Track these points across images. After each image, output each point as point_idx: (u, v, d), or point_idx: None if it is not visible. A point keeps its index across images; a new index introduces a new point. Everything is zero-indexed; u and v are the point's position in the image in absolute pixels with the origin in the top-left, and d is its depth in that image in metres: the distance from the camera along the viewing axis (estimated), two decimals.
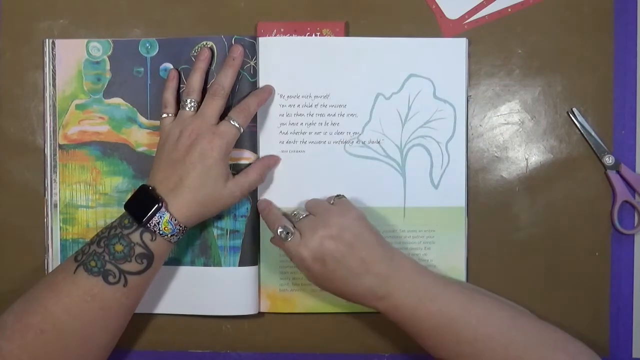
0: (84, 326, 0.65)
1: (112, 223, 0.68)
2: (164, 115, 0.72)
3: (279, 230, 0.68)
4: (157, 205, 0.66)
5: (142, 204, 0.67)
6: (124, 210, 0.68)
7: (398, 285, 0.66)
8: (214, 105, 0.70)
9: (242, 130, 0.70)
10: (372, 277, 0.65)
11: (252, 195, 0.75)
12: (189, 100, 0.71)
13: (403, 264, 0.67)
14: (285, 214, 0.72)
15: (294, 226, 0.68)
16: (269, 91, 0.74)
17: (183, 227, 0.68)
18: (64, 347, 0.65)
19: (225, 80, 0.71)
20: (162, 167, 0.69)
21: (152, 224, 0.66)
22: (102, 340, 0.68)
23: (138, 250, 0.66)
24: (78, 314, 0.65)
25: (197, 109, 0.71)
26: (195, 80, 0.72)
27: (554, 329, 0.67)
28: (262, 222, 0.76)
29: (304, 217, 0.69)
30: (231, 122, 0.69)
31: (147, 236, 0.67)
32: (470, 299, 0.66)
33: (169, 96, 0.73)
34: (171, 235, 0.67)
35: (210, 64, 0.74)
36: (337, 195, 0.72)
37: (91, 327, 0.66)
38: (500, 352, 0.64)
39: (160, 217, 0.66)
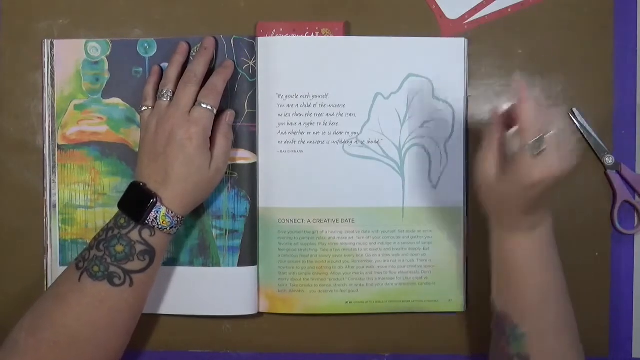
0: (95, 333, 0.65)
1: (107, 225, 0.68)
2: (143, 108, 0.72)
3: (534, 141, 0.60)
4: (152, 201, 0.66)
5: (136, 201, 0.67)
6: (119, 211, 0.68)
7: (544, 230, 0.66)
8: (186, 91, 0.70)
9: (215, 111, 0.70)
10: (535, 217, 0.65)
11: (252, 195, 0.75)
12: (164, 90, 0.71)
13: (550, 218, 0.67)
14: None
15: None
16: (231, 66, 0.74)
17: (180, 217, 0.68)
18: (77, 357, 0.65)
19: (197, 68, 0.71)
20: (147, 161, 0.69)
21: (150, 220, 0.66)
22: (114, 344, 0.68)
23: (139, 247, 0.66)
24: (89, 321, 0.65)
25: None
26: (172, 72, 0.72)
27: None
28: (260, 222, 0.76)
29: (558, 142, 0.61)
30: (202, 105, 0.69)
31: (146, 232, 0.67)
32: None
33: (149, 90, 0.73)
34: (170, 228, 0.67)
35: (211, 62, 0.74)
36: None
37: (103, 333, 0.66)
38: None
39: (157, 212, 0.66)
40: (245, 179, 0.75)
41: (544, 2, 0.78)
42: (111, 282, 0.65)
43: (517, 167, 0.61)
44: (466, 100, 0.77)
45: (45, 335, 0.64)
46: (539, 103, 0.62)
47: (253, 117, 0.75)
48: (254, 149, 0.76)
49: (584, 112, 0.77)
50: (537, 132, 0.60)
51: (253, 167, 0.76)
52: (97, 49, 0.77)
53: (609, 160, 0.77)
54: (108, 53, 0.76)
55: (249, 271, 0.75)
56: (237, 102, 0.75)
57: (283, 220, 0.76)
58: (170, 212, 0.67)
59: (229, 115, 0.72)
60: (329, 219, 0.76)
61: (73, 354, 0.64)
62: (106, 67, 0.76)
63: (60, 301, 0.65)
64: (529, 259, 0.65)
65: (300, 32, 0.77)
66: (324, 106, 0.76)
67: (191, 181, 0.68)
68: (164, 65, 0.75)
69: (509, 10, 0.78)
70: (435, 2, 0.78)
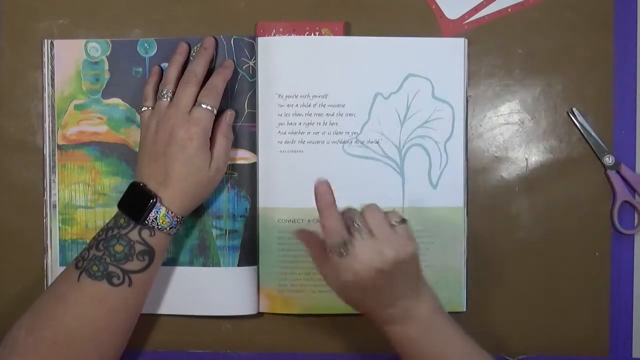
0: (95, 332, 0.65)
1: (106, 225, 0.68)
2: (144, 108, 0.72)
3: (338, 243, 0.60)
4: (152, 201, 0.66)
5: (136, 201, 0.67)
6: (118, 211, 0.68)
7: (415, 318, 0.63)
8: (187, 92, 0.70)
9: (215, 111, 0.70)
10: (393, 304, 0.62)
11: (252, 195, 0.75)
12: (164, 91, 0.71)
13: (425, 299, 0.64)
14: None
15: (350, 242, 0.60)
16: (231, 66, 0.74)
17: (180, 217, 0.68)
18: (77, 356, 0.65)
19: (197, 68, 0.71)
20: (146, 161, 0.69)
21: (150, 220, 0.66)
22: (113, 343, 0.68)
23: (138, 247, 0.66)
24: (88, 321, 0.65)
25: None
26: (172, 72, 0.72)
27: None
28: (260, 222, 0.76)
29: (363, 237, 0.60)
30: (202, 106, 0.69)
31: (145, 233, 0.67)
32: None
33: (149, 90, 0.73)
34: (170, 228, 0.67)
35: (211, 62, 0.74)
36: (402, 219, 0.62)
37: (102, 333, 0.66)
38: None
39: (157, 212, 0.66)
40: (245, 179, 0.75)
41: (544, 2, 0.78)
42: (110, 281, 0.65)
43: (333, 270, 0.61)
44: (466, 100, 0.77)
45: (45, 334, 0.64)
46: (339, 210, 0.62)
47: (253, 117, 0.75)
48: (254, 149, 0.76)
49: (584, 112, 0.77)
50: (340, 236, 0.60)
51: (253, 167, 0.76)
52: (97, 49, 0.77)
53: (609, 160, 0.77)
54: (108, 53, 0.76)
55: (248, 271, 0.75)
56: (237, 102, 0.75)
57: (283, 220, 0.76)
58: (170, 212, 0.67)
59: (228, 116, 0.72)
60: None
61: (72, 353, 0.64)
62: (106, 67, 0.76)
63: (60, 300, 0.65)
64: (419, 346, 0.63)
65: (300, 32, 0.77)
66: (324, 106, 0.76)
67: (191, 181, 0.68)
68: (164, 65, 0.75)
69: (509, 10, 0.78)
70: (435, 2, 0.78)
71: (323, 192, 0.63)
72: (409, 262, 0.61)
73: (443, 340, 0.64)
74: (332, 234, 0.61)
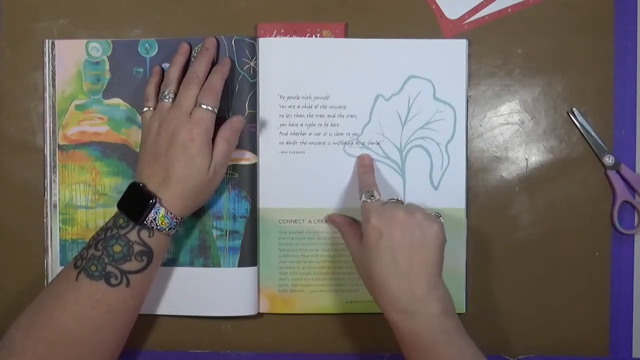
0: (93, 333, 0.65)
1: (106, 224, 0.68)
2: (145, 109, 0.72)
3: (366, 192, 0.70)
4: (151, 202, 0.66)
5: (135, 201, 0.67)
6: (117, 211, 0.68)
7: (426, 314, 0.64)
8: (188, 93, 0.69)
9: (216, 111, 0.70)
10: (408, 286, 0.64)
11: (252, 196, 0.75)
12: (166, 92, 0.71)
13: (441, 298, 0.65)
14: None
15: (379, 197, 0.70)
16: (228, 63, 0.74)
17: (180, 219, 0.68)
18: (74, 356, 0.65)
19: (199, 68, 0.71)
20: (147, 162, 0.69)
21: (149, 221, 0.66)
22: (111, 344, 0.68)
23: (137, 248, 0.66)
24: (86, 321, 0.65)
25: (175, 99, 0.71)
26: (173, 72, 0.72)
27: None
28: (261, 222, 0.76)
29: (400, 201, 0.70)
30: (202, 106, 0.69)
31: (144, 233, 0.66)
32: None
33: (151, 90, 0.73)
34: (169, 229, 0.67)
35: (212, 63, 0.74)
36: (438, 213, 0.70)
37: (100, 333, 0.66)
38: None
39: (156, 213, 0.66)
40: (245, 180, 0.75)
41: (544, 2, 0.78)
42: (108, 282, 0.65)
43: (360, 245, 0.69)
44: (467, 102, 0.77)
45: (42, 334, 0.64)
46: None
47: (254, 118, 0.75)
48: (254, 149, 0.76)
49: (584, 112, 0.77)
50: (371, 188, 0.71)
51: (253, 167, 0.76)
52: (98, 49, 0.77)
53: (608, 160, 0.77)
54: (109, 53, 0.76)
55: (249, 272, 0.75)
56: (238, 103, 0.75)
57: (284, 221, 0.76)
58: (169, 213, 0.67)
59: (234, 122, 0.72)
60: None
61: (70, 353, 0.64)
62: (107, 67, 0.76)
63: (58, 300, 0.65)
64: (423, 344, 0.63)
65: (301, 33, 0.77)
66: (325, 107, 0.76)
67: (191, 182, 0.68)
68: (165, 65, 0.75)
69: (509, 10, 0.78)
70: (435, 2, 0.78)
71: (368, 162, 0.76)
72: (430, 239, 0.66)
73: (448, 344, 0.63)
74: (363, 186, 0.72)
